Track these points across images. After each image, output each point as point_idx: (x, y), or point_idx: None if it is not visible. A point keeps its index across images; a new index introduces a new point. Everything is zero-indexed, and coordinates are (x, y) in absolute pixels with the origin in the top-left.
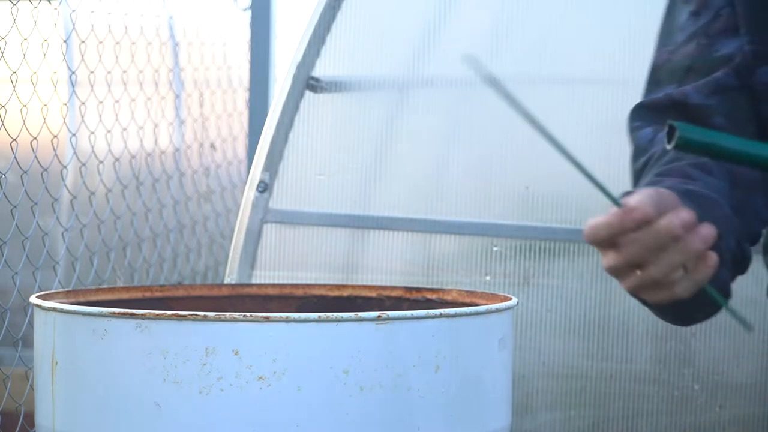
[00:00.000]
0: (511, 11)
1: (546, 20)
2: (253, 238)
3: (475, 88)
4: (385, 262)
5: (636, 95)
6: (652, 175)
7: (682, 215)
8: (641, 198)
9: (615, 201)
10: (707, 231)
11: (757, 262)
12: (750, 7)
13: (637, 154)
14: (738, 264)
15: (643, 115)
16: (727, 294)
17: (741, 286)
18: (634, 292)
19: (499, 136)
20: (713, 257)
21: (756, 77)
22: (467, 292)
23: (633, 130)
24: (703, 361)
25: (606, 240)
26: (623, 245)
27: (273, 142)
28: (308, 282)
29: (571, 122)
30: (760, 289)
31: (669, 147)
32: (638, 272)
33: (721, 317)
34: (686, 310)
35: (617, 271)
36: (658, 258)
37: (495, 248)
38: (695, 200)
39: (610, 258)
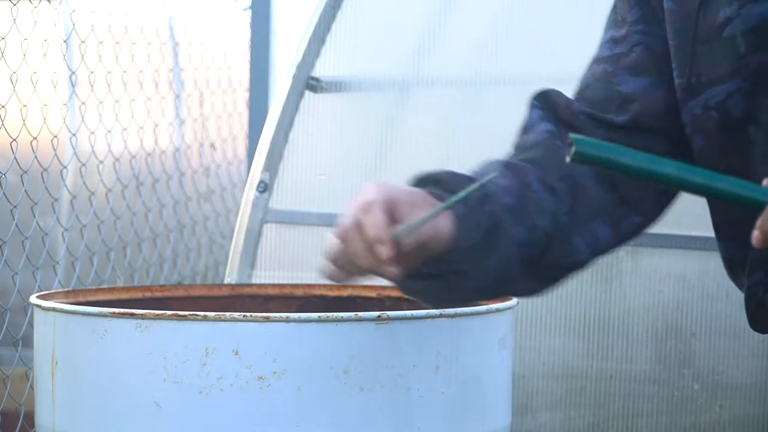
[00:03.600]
0: (511, 11)
1: (546, 20)
2: (253, 238)
3: (475, 88)
4: None
5: None
6: (504, 163)
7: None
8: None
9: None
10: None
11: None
12: (680, 42)
13: (519, 129)
14: (535, 264)
15: (544, 97)
16: (504, 276)
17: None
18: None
19: (499, 136)
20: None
21: (686, 110)
22: None
23: (529, 105)
24: (703, 361)
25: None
26: None
27: (273, 142)
28: (308, 282)
29: None
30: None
31: (568, 160)
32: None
33: (722, 318)
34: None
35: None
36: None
37: None
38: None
39: None
